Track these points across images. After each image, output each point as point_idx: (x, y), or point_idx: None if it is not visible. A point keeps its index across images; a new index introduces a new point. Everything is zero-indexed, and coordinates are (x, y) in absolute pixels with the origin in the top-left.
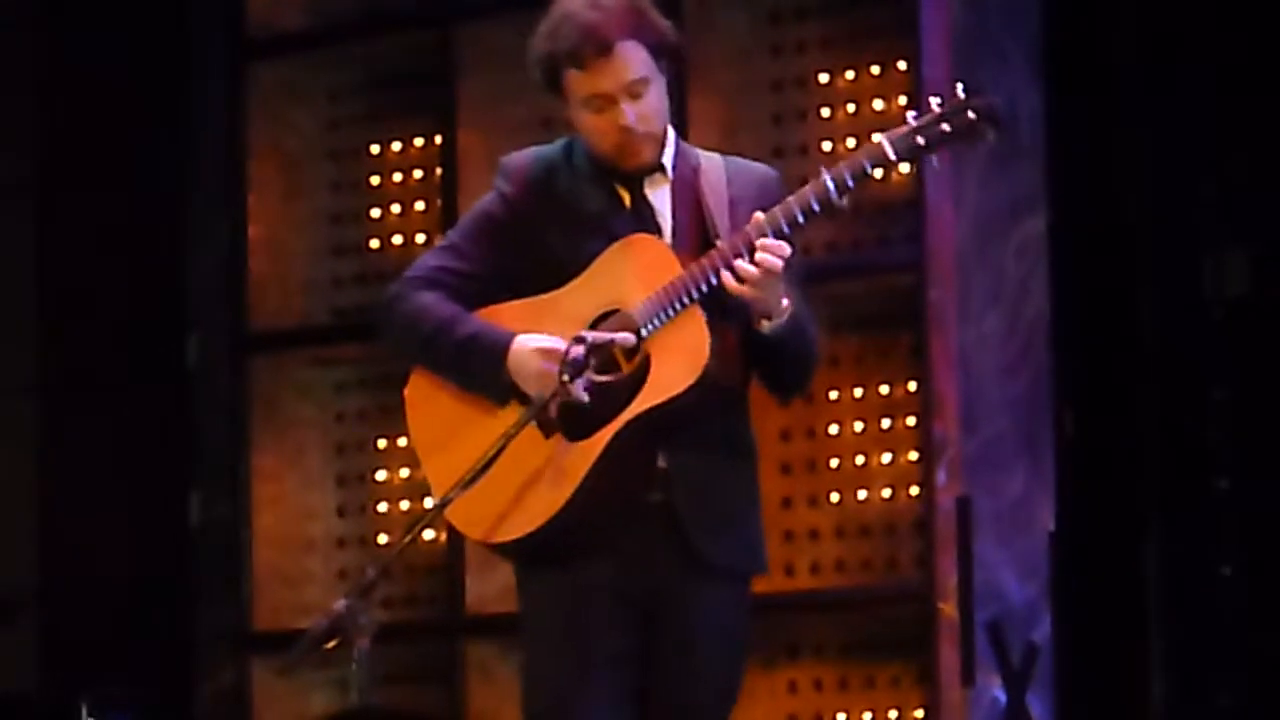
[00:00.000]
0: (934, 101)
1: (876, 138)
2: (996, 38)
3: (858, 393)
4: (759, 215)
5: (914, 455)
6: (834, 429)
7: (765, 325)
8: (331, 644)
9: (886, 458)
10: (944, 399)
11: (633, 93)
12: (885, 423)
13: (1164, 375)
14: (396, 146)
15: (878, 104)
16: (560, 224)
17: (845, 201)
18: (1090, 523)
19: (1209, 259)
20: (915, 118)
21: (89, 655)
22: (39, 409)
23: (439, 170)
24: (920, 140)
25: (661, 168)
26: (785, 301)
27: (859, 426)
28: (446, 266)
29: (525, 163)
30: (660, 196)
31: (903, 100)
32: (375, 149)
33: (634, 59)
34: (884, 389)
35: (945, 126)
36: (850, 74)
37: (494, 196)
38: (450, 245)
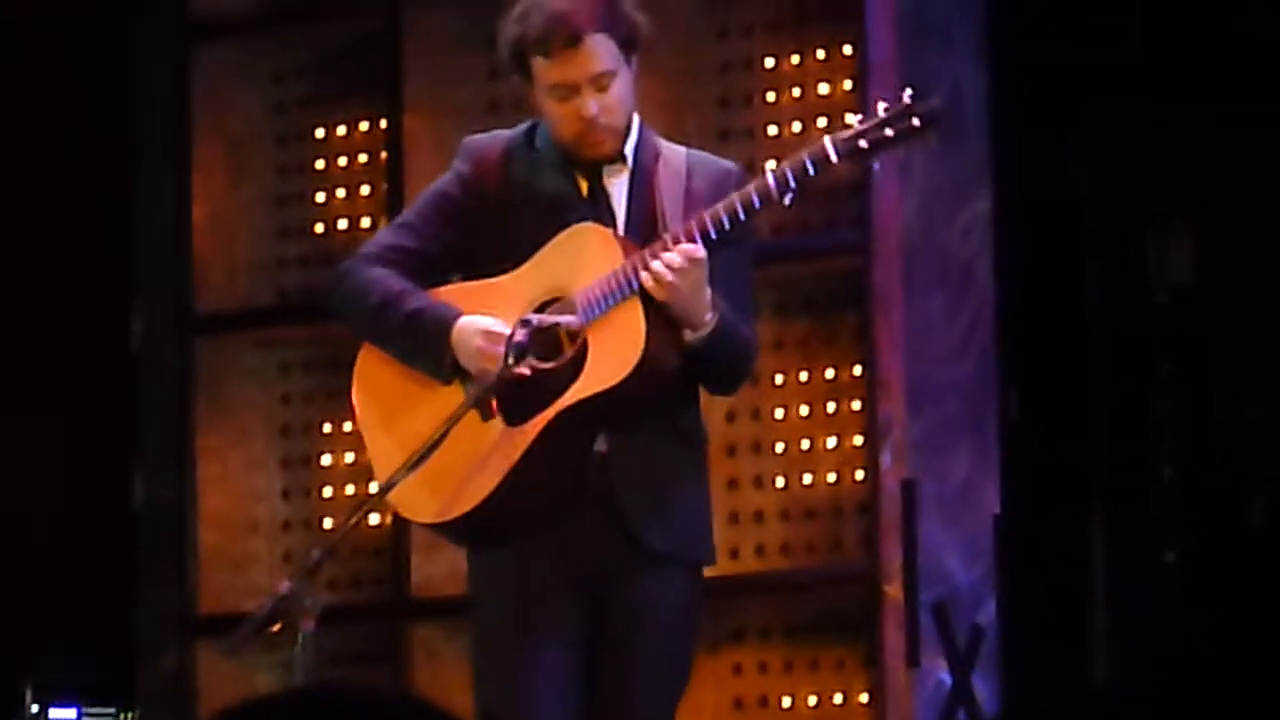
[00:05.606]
0: (880, 105)
1: (822, 139)
2: (942, 21)
3: (803, 376)
4: (703, 213)
5: (859, 438)
6: (779, 412)
7: (688, 335)
8: (276, 626)
9: (832, 441)
10: (889, 382)
11: (598, 85)
12: (830, 406)
13: (1109, 358)
14: (341, 130)
15: (823, 88)
16: (515, 207)
17: (788, 199)
18: (1035, 505)
19: (1154, 242)
20: (860, 121)
21: (33, 638)
22: None
23: (384, 154)
24: (863, 143)
25: (623, 157)
26: (710, 315)
27: (804, 409)
28: (399, 244)
29: (485, 144)
30: (618, 185)
31: (848, 85)
32: (320, 132)
33: (602, 51)
34: (829, 372)
35: (888, 131)
36: (795, 58)
37: (451, 176)
38: (404, 223)
